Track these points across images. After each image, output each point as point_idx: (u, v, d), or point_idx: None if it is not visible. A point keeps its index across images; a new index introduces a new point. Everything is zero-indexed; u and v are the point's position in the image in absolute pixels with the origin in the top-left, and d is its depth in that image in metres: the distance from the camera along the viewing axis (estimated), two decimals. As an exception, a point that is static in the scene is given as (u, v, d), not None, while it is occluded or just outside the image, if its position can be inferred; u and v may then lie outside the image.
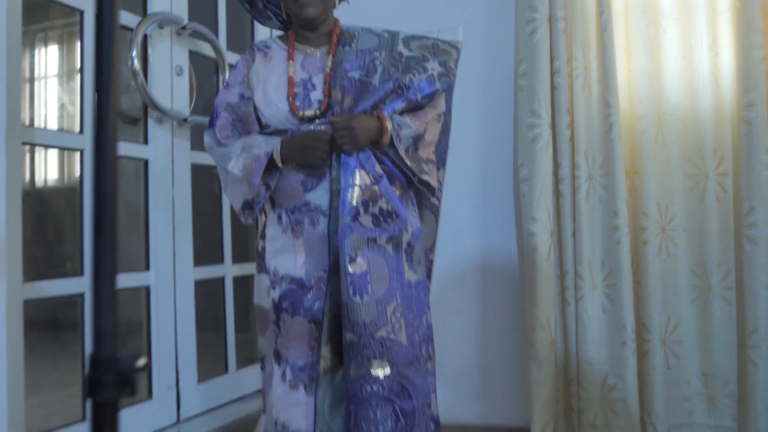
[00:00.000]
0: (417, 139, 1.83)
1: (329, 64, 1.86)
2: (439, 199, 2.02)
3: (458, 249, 2.62)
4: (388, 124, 1.77)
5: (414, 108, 1.86)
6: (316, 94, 1.83)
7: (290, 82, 1.84)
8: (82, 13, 2.10)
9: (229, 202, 2.59)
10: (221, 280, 2.62)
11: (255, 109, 1.86)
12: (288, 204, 1.83)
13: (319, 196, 1.79)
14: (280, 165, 1.79)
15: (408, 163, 1.80)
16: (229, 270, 2.64)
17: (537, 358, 2.32)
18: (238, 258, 2.68)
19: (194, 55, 2.49)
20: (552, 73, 2.35)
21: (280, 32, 2.00)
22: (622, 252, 2.24)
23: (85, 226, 2.07)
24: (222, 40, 2.60)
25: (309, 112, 1.81)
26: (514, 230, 2.50)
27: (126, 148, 2.23)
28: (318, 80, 1.85)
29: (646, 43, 2.30)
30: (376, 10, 2.71)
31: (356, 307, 1.68)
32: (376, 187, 1.77)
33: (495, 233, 2.56)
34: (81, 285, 2.04)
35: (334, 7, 1.96)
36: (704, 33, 2.23)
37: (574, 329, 2.34)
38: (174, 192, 2.36)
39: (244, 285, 2.70)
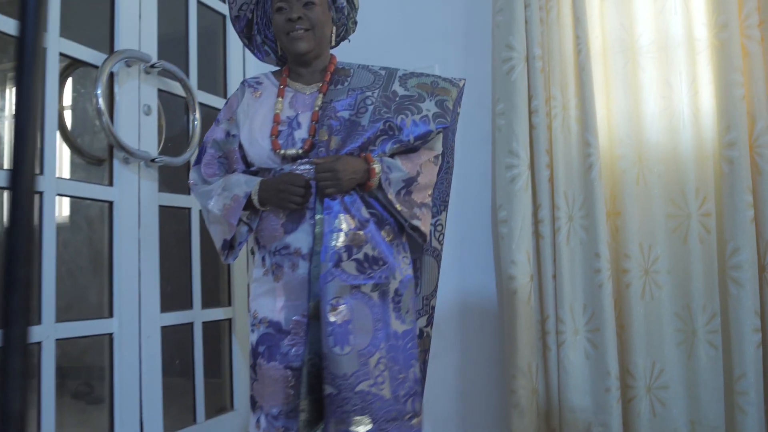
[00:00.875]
0: (409, 183, 1.76)
1: (318, 102, 1.80)
2: (441, 243, 1.95)
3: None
4: (376, 167, 1.70)
5: (407, 150, 1.79)
6: (301, 133, 1.77)
7: (275, 120, 1.78)
8: (44, 50, 2.02)
9: (198, 244, 2.51)
10: (190, 326, 2.52)
11: (240, 146, 1.82)
12: (270, 246, 1.77)
13: (299, 239, 1.72)
14: (258, 206, 1.74)
15: (398, 207, 1.73)
16: (198, 315, 2.53)
17: (518, 406, 2.23)
18: (208, 302, 2.58)
19: (164, 94, 2.42)
20: (530, 113, 2.30)
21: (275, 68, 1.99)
22: (605, 295, 2.17)
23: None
24: (193, 79, 2.53)
25: (291, 151, 1.75)
26: (493, 273, 2.43)
27: (90, 190, 2.14)
28: (304, 118, 1.79)
29: (625, 81, 2.27)
30: (351, 48, 2.66)
31: (336, 358, 1.60)
32: (361, 233, 1.70)
33: (473, 276, 2.48)
34: None
35: (331, 44, 1.92)
36: (683, 71, 2.19)
37: (556, 376, 2.25)
38: (140, 235, 2.26)
39: (214, 330, 2.59)
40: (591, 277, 2.21)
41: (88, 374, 2.21)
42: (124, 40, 2.25)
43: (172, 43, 2.51)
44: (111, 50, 2.23)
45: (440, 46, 2.57)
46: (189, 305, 2.51)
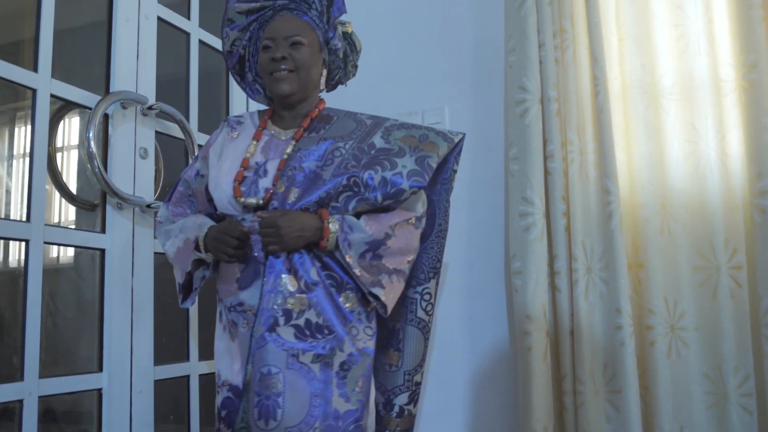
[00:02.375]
0: (374, 246, 1.61)
1: (288, 150, 1.68)
2: (429, 314, 1.80)
3: (444, 348, 2.38)
4: (332, 225, 1.57)
5: (378, 210, 1.65)
6: (265, 182, 1.65)
7: (243, 164, 1.68)
8: (35, 92, 1.94)
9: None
10: (186, 379, 2.38)
11: (207, 188, 1.75)
12: (226, 300, 1.68)
13: (254, 296, 1.60)
14: (203, 254, 1.66)
15: (356, 272, 1.58)
16: (194, 368, 2.40)
17: (533, 473, 2.06)
18: (205, 354, 2.44)
19: (162, 137, 2.32)
20: (545, 158, 2.17)
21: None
22: (627, 354, 2.01)
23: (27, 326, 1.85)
24: (193, 121, 2.44)
25: (251, 200, 1.63)
26: (506, 328, 2.28)
27: (81, 237, 2.04)
28: (272, 166, 1.68)
29: (647, 125, 2.13)
30: (355, 92, 2.56)
31: None
32: (304, 296, 1.57)
33: (485, 331, 2.33)
34: None
35: (320, 88, 1.80)
36: (709, 114, 2.05)
37: (574, 441, 2.09)
38: (134, 284, 2.14)
39: (211, 382, 2.46)
40: (612, 334, 2.05)
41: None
42: (120, 81, 2.16)
43: (172, 84, 2.43)
44: (106, 92, 2.15)
45: (449, 88, 2.45)
46: (185, 357, 2.38)
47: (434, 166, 1.69)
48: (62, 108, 2.15)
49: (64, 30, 2.37)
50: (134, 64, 2.21)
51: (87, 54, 2.27)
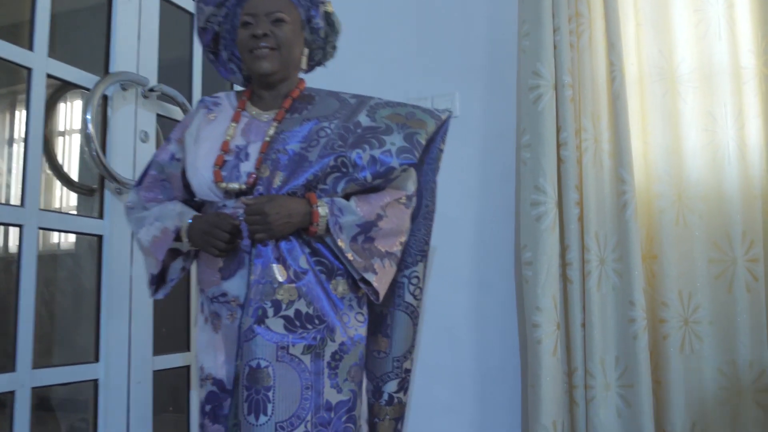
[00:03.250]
0: (366, 228, 1.55)
1: (271, 132, 1.60)
2: (417, 298, 1.74)
3: (451, 341, 2.32)
4: (321, 209, 1.50)
5: (368, 190, 1.60)
6: (247, 166, 1.57)
7: (223, 148, 1.59)
8: (30, 71, 1.86)
9: (195, 281, 2.33)
10: (186, 370, 2.32)
11: (184, 173, 1.66)
12: (207, 291, 1.60)
13: (238, 286, 1.53)
14: (187, 245, 1.57)
15: (349, 256, 1.52)
16: (195, 358, 2.34)
17: (542, 469, 2.01)
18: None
19: (164, 120, 2.25)
20: (558, 145, 2.11)
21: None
22: (640, 348, 1.96)
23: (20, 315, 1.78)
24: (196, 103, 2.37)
25: (233, 186, 1.55)
26: (515, 320, 2.22)
27: (78, 223, 1.97)
28: (254, 150, 1.59)
29: (664, 113, 2.07)
30: (365, 75, 2.50)
31: (250, 429, 1.41)
32: (293, 286, 1.50)
33: (493, 324, 2.27)
34: None
35: (300, 67, 1.71)
36: (728, 102, 1.99)
37: (584, 436, 2.04)
38: (132, 272, 2.08)
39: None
40: (624, 327, 2.00)
41: (69, 425, 2.02)
42: (121, 62, 2.09)
43: (175, 67, 2.36)
44: (106, 73, 2.07)
45: (461, 74, 2.38)
46: (185, 347, 2.32)
47: (423, 142, 1.63)
48: (60, 89, 2.08)
49: (66, 12, 2.30)
50: (135, 44, 2.14)
51: (87, 36, 2.20)
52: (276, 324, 1.47)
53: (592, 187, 2.08)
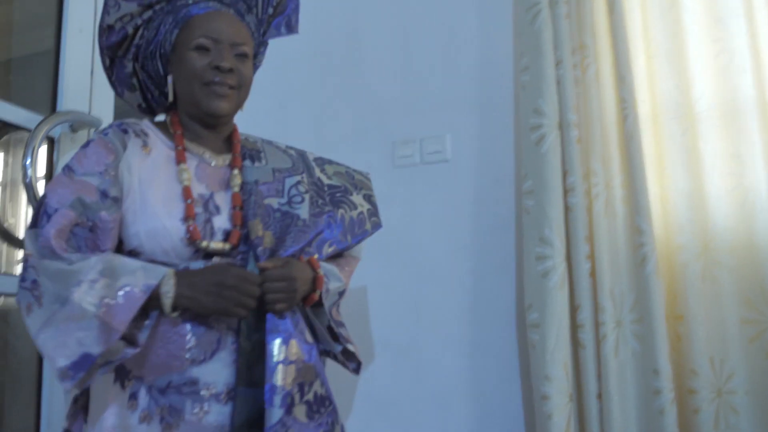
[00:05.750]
0: (341, 297, 1.46)
1: (237, 181, 1.36)
2: None
3: (443, 414, 2.02)
4: (322, 275, 1.35)
5: (336, 255, 1.48)
6: (221, 221, 1.32)
7: (186, 195, 1.31)
8: None
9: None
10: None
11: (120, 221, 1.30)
12: (156, 378, 1.24)
13: (213, 371, 1.24)
14: (166, 311, 1.21)
15: (335, 328, 1.38)
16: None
17: None
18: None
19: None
20: (565, 192, 1.87)
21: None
22: (668, 424, 1.68)
23: None
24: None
25: (216, 245, 1.29)
26: (518, 390, 1.95)
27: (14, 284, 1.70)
28: (223, 201, 1.35)
29: (683, 154, 1.84)
30: (347, 116, 2.27)
31: None
32: (311, 364, 1.27)
33: (493, 395, 1.99)
34: None
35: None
36: (757, 141, 1.76)
37: None
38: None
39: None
40: (648, 400, 1.73)
41: None
42: (71, 100, 1.85)
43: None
44: (52, 111, 1.84)
45: (451, 113, 2.14)
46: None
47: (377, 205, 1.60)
48: (-1, 132, 1.84)
49: (23, 56, 2.09)
50: (88, 80, 1.91)
51: (30, 69, 1.97)
52: (300, 412, 1.25)
53: (604, 238, 1.83)
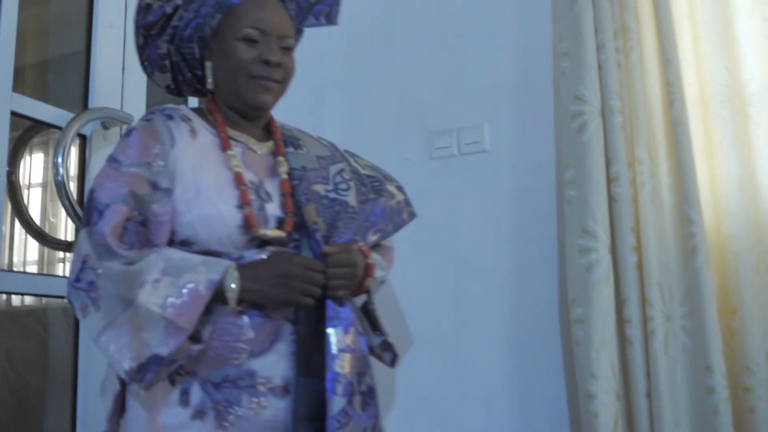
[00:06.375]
0: (381, 286, 1.45)
1: (284, 168, 1.33)
2: None
3: (487, 412, 1.96)
4: (373, 262, 1.33)
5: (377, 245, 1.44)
6: (273, 208, 1.29)
7: (239, 182, 1.26)
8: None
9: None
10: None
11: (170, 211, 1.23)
12: (210, 372, 1.19)
13: (271, 364, 1.20)
14: (231, 305, 1.17)
15: (378, 318, 1.36)
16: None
17: None
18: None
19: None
20: (609, 181, 1.79)
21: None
22: (722, 424, 1.60)
23: None
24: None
25: (271, 233, 1.24)
26: (563, 389, 1.88)
27: (48, 285, 1.69)
28: (272, 188, 1.32)
29: (734, 139, 1.75)
30: (386, 109, 2.22)
31: None
32: (365, 354, 1.25)
33: (536, 392, 1.92)
34: None
35: None
36: (814, 124, 1.68)
37: None
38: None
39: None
40: (701, 399, 1.65)
41: None
42: (101, 96, 1.84)
43: (167, 100, 2.11)
44: (84, 109, 1.82)
45: (489, 102, 2.08)
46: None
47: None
48: (30, 130, 1.83)
49: (59, 57, 2.09)
50: (119, 77, 1.89)
51: (62, 67, 1.96)
52: (357, 402, 1.21)
53: (651, 228, 1.75)
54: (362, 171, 1.48)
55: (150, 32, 1.36)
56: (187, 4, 1.34)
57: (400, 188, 1.55)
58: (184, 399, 1.18)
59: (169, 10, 1.33)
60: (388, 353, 1.43)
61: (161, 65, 1.39)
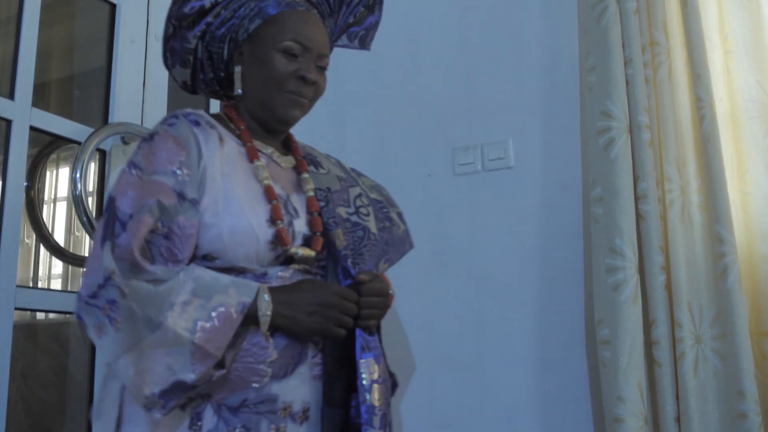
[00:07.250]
0: None
1: (310, 185, 1.29)
2: None
3: (512, 432, 1.93)
4: (393, 292, 1.29)
5: None
6: (300, 225, 1.25)
7: (270, 195, 1.22)
8: (9, 124, 1.60)
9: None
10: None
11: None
12: (228, 396, 1.13)
13: (293, 389, 1.17)
14: (263, 329, 1.13)
15: (383, 348, 1.29)
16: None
17: None
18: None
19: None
20: (637, 199, 1.75)
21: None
22: (755, 451, 1.55)
23: None
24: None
25: (303, 252, 1.21)
26: (589, 413, 1.83)
27: (64, 302, 1.67)
28: (299, 204, 1.28)
29: (765, 156, 1.71)
30: (409, 124, 2.19)
31: None
32: (389, 386, 1.23)
33: (561, 416, 1.87)
34: None
35: None
36: None
37: None
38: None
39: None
40: (734, 424, 1.59)
41: None
42: (122, 111, 1.83)
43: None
44: (104, 124, 1.81)
45: (514, 117, 2.04)
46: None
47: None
48: (51, 145, 1.82)
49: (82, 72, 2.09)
50: (140, 92, 1.88)
51: (94, 92, 1.95)
52: None
53: (680, 248, 1.71)
54: (371, 195, 1.43)
55: (182, 23, 1.30)
56: (227, 3, 1.29)
57: (400, 215, 1.48)
58: (195, 424, 1.12)
59: (207, 4, 1.28)
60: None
61: (184, 60, 1.34)
